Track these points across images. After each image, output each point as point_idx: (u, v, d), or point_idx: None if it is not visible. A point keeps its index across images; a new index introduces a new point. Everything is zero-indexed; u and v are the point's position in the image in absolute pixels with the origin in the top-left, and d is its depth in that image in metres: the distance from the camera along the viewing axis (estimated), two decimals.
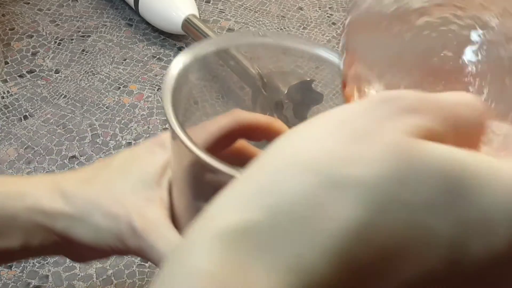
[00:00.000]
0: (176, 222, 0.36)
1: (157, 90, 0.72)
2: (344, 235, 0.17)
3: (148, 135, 0.66)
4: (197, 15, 0.76)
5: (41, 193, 0.38)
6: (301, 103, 0.45)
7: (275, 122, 0.38)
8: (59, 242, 0.38)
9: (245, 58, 0.68)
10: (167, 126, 0.67)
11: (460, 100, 0.20)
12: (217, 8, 0.86)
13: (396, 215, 0.17)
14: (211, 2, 0.87)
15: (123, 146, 0.65)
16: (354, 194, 0.17)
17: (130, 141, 0.65)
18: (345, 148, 0.18)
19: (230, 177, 0.27)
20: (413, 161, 0.18)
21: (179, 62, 0.34)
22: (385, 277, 0.18)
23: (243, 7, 0.86)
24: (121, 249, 0.36)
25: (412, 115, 0.19)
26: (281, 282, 0.17)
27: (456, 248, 0.17)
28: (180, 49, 0.78)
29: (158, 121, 0.68)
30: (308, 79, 0.62)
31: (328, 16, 0.85)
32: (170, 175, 0.37)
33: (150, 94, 0.71)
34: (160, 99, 0.71)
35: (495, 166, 0.18)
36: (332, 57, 0.36)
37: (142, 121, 0.68)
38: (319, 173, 0.18)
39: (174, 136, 0.31)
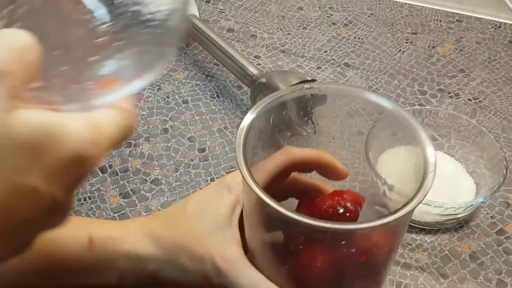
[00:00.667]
0: (250, 254, 0.41)
1: (157, 90, 0.72)
2: None
3: (148, 135, 0.66)
4: (197, 15, 0.76)
5: (135, 238, 0.42)
6: (304, 103, 0.46)
7: (323, 154, 0.42)
8: (150, 282, 0.42)
9: (244, 58, 0.68)
10: (167, 125, 0.67)
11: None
12: (217, 8, 0.86)
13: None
14: (211, 2, 0.87)
15: (122, 146, 0.64)
16: None
17: (130, 141, 0.65)
18: None
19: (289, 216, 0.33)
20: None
21: (248, 118, 0.40)
22: None
23: (243, 7, 0.86)
24: (205, 287, 0.41)
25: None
26: None
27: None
28: (180, 49, 0.78)
29: (158, 121, 0.68)
30: (310, 78, 0.62)
31: (328, 16, 0.85)
32: (239, 214, 0.41)
33: (150, 94, 0.71)
34: (160, 99, 0.70)
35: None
36: (391, 106, 0.40)
37: (142, 121, 0.68)
38: None
39: (246, 185, 0.36)
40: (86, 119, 0.23)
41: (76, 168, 0.23)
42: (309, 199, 0.42)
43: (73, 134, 0.22)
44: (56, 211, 0.24)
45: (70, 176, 0.23)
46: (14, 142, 0.21)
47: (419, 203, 0.35)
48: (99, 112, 0.25)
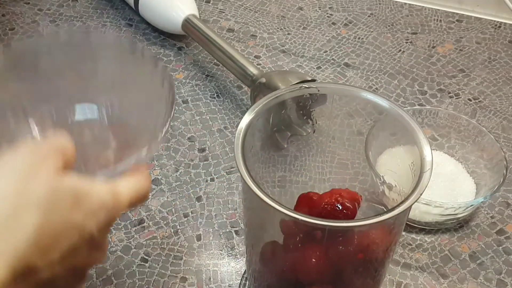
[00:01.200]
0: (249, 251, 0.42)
1: None
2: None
3: None
4: (197, 15, 0.76)
5: None
6: (304, 103, 0.46)
7: None
8: None
9: (245, 58, 0.68)
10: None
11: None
12: (217, 8, 0.86)
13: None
14: (211, 2, 0.87)
15: None
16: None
17: None
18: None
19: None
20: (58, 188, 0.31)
21: (245, 119, 0.41)
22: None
23: (243, 7, 0.86)
24: None
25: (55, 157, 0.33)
26: None
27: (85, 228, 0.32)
28: (180, 49, 0.78)
29: None
30: (310, 78, 0.62)
31: (328, 16, 0.85)
32: None
33: None
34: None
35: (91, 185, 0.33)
36: (389, 105, 0.40)
37: None
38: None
39: (245, 185, 0.37)
40: (107, 183, 0.35)
41: (103, 214, 0.33)
42: (307, 197, 0.42)
43: (98, 189, 0.34)
44: (94, 246, 0.34)
45: (100, 219, 0.33)
46: (64, 191, 0.32)
47: (415, 201, 0.35)
48: (119, 178, 0.36)
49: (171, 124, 0.67)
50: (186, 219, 0.58)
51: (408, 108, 0.67)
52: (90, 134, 0.44)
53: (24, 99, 0.44)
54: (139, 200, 0.37)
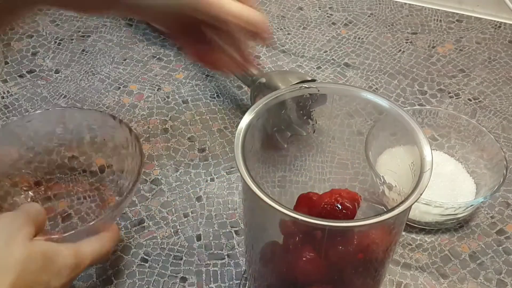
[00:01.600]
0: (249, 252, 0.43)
1: (157, 90, 0.72)
2: None
3: (148, 135, 0.66)
4: None
5: None
6: (304, 103, 0.46)
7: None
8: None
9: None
10: (167, 125, 0.67)
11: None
12: None
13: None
14: None
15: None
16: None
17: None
18: None
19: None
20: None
21: (246, 119, 0.41)
22: None
23: None
24: (175, 15, 0.47)
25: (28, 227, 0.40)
26: None
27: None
28: (180, 49, 0.78)
29: (158, 121, 0.68)
30: (310, 78, 0.62)
31: (328, 16, 0.85)
32: None
33: (150, 94, 0.71)
34: (160, 99, 0.71)
35: None
36: (389, 105, 0.40)
37: (142, 121, 0.68)
38: None
39: (245, 185, 0.37)
40: (72, 246, 0.42)
41: (66, 273, 0.41)
42: (307, 197, 0.43)
43: (63, 252, 0.41)
44: None
45: (63, 277, 0.40)
46: (35, 255, 0.38)
47: (415, 201, 0.35)
48: (84, 240, 0.44)
49: (172, 123, 0.67)
50: (186, 219, 0.58)
51: (408, 108, 0.67)
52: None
53: (20, 165, 0.55)
54: (100, 260, 0.45)
